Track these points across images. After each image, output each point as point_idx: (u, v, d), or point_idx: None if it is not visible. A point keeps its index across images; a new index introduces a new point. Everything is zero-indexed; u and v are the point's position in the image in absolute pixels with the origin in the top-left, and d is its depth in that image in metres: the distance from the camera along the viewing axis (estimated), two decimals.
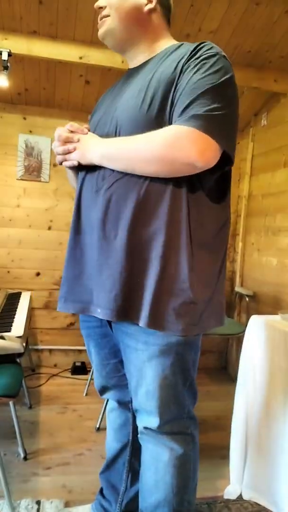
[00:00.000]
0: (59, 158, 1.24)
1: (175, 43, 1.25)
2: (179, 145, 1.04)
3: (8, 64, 2.39)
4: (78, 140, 1.20)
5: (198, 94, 1.05)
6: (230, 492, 1.80)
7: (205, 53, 1.11)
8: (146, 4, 1.21)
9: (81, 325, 1.41)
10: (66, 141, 1.21)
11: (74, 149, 1.20)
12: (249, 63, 2.72)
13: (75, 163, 1.21)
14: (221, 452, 2.13)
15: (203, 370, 3.45)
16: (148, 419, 1.24)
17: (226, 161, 1.14)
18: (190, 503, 1.30)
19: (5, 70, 2.41)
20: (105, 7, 1.22)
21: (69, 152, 1.21)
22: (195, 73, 1.08)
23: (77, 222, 1.24)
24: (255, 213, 3.25)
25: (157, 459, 1.26)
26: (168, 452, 1.24)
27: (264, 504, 1.74)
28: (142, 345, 1.17)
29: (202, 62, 1.09)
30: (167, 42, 1.26)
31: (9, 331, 1.87)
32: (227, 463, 1.84)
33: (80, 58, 2.41)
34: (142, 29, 1.24)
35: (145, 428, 1.26)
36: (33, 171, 3.16)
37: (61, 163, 1.25)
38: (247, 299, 3.18)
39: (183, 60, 1.11)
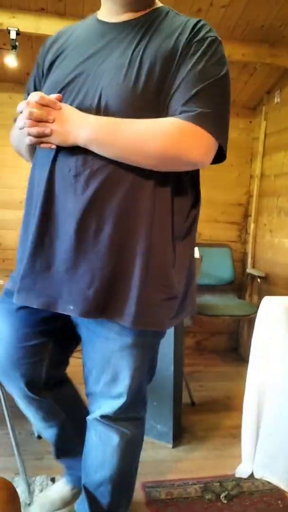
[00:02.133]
0: (32, 140, 1.01)
1: (160, 7, 1.13)
2: (185, 144, 1.00)
3: (17, 43, 2.36)
4: (54, 121, 0.99)
5: (204, 86, 1.00)
6: (242, 470, 1.82)
7: (206, 36, 1.05)
8: None
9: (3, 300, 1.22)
10: (40, 120, 0.99)
11: (51, 131, 0.99)
12: (262, 39, 2.65)
13: (54, 147, 1.02)
14: (233, 431, 2.15)
15: (214, 351, 3.46)
16: (108, 405, 1.20)
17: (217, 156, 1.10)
18: (133, 478, 1.36)
19: (13, 50, 2.38)
20: None
21: (44, 135, 1.00)
22: (198, 58, 1.02)
23: (48, 206, 1.05)
24: (267, 193, 3.20)
25: (106, 443, 1.25)
26: (119, 436, 1.23)
27: (275, 483, 1.76)
28: (115, 334, 1.11)
29: (205, 47, 1.03)
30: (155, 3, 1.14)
31: None
32: (238, 442, 1.86)
33: None
34: None
35: (101, 416, 1.22)
36: None
37: (33, 145, 1.05)
38: (259, 280, 3.16)
39: (183, 39, 1.04)
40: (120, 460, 1.26)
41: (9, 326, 1.20)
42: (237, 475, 1.81)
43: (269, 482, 1.77)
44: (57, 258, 1.05)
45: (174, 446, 2.04)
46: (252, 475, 1.81)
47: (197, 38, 1.04)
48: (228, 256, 3.39)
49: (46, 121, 0.99)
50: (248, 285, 3.41)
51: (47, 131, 0.99)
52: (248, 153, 3.43)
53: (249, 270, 3.36)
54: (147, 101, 1.02)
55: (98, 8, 1.15)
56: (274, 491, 1.73)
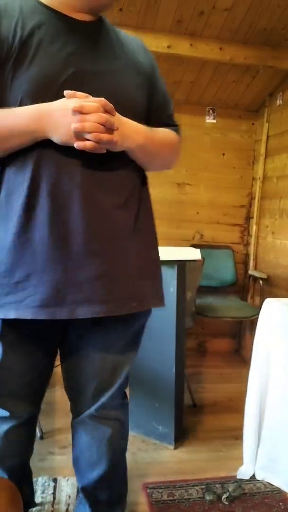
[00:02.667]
0: (94, 145, 0.95)
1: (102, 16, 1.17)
2: (179, 153, 1.25)
3: None
4: (117, 128, 0.98)
5: (171, 103, 1.26)
6: (243, 472, 1.82)
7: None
8: None
9: (6, 330, 1.10)
10: (108, 125, 0.95)
11: (117, 140, 0.98)
12: (264, 42, 2.66)
13: (104, 151, 0.98)
14: (234, 433, 2.15)
15: (216, 353, 3.47)
16: (104, 397, 1.21)
17: None
18: (126, 463, 1.39)
19: None
20: None
21: (110, 143, 0.97)
22: (160, 79, 1.23)
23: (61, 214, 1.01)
24: (269, 195, 3.21)
25: (100, 438, 1.26)
26: (110, 428, 1.25)
27: (277, 485, 1.76)
28: (117, 333, 1.17)
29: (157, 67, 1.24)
30: None
31: None
32: (240, 444, 1.86)
33: None
34: None
35: (96, 410, 1.22)
36: None
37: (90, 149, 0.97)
38: (261, 282, 3.16)
39: (151, 59, 1.21)
40: (114, 450, 1.28)
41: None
42: (239, 477, 1.81)
43: (270, 484, 1.78)
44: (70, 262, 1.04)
45: (176, 447, 2.05)
46: (253, 476, 1.81)
47: (153, 57, 1.23)
48: (230, 258, 3.40)
49: (113, 128, 0.97)
50: (250, 287, 3.42)
51: (116, 138, 0.97)
52: (251, 155, 3.43)
53: (251, 272, 3.36)
54: (141, 108, 1.13)
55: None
56: (276, 493, 1.73)
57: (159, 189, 3.27)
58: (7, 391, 1.17)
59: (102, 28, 1.13)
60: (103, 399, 1.22)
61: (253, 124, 3.42)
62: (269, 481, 1.78)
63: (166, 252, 1.98)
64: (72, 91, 0.95)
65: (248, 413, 1.81)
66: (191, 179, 3.36)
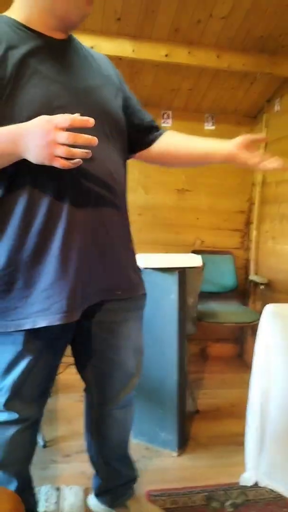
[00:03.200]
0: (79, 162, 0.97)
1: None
2: None
3: None
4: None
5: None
6: (246, 479, 1.82)
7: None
8: None
9: (31, 336, 1.14)
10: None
11: None
12: (261, 48, 2.68)
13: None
14: (237, 439, 2.14)
15: (218, 358, 3.46)
16: (133, 380, 1.41)
17: None
18: None
19: None
20: None
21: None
22: (127, 86, 1.35)
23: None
24: (269, 200, 3.22)
25: (127, 418, 1.50)
26: (132, 405, 1.50)
27: (280, 491, 1.76)
28: (134, 313, 1.34)
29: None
30: None
31: None
32: (242, 450, 1.86)
33: (91, 47, 2.40)
34: None
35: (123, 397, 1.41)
36: None
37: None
38: (261, 287, 3.17)
39: (115, 69, 1.32)
40: (131, 424, 1.55)
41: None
42: (242, 483, 1.81)
43: (273, 491, 1.77)
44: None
45: (179, 454, 2.05)
46: (257, 483, 1.81)
47: (118, 71, 1.34)
48: (231, 263, 3.40)
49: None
50: (251, 292, 3.42)
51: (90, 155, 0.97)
52: None
53: (252, 277, 3.36)
54: (122, 118, 1.26)
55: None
56: (279, 499, 1.73)
57: (159, 195, 3.28)
58: (21, 395, 1.19)
59: (76, 45, 1.20)
60: (130, 385, 1.40)
61: (251, 130, 3.44)
62: (272, 488, 1.78)
63: (167, 259, 1.99)
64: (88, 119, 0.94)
65: (250, 418, 1.82)
66: (191, 185, 3.37)
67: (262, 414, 1.78)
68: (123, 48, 2.50)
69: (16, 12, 1.11)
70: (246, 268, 3.51)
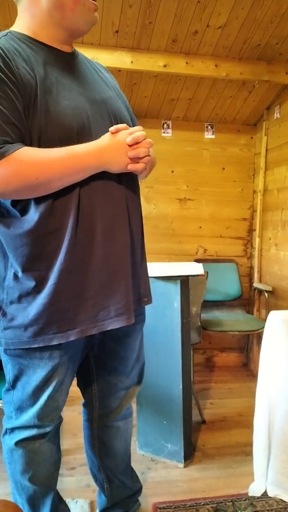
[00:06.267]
0: (144, 166, 1.14)
1: None
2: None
3: None
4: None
5: None
6: (255, 489, 1.79)
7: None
8: None
9: (66, 349, 1.18)
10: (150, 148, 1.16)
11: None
12: (259, 57, 2.70)
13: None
14: (245, 449, 2.12)
15: (224, 367, 3.43)
16: (135, 389, 1.44)
17: None
18: None
19: None
20: None
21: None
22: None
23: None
24: (271, 207, 3.21)
25: (126, 429, 1.49)
26: (132, 415, 1.51)
27: None
28: (139, 325, 1.34)
29: None
30: None
31: None
32: (250, 460, 1.83)
33: None
34: None
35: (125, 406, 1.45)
36: None
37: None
38: (266, 294, 3.15)
39: (114, 78, 1.36)
40: (131, 433, 1.55)
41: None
42: (250, 494, 1.78)
43: (283, 500, 1.74)
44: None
45: (185, 465, 2.02)
46: (265, 493, 1.78)
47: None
48: (235, 271, 3.39)
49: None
50: (255, 300, 3.40)
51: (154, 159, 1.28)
52: (251, 168, 3.45)
53: (255, 284, 3.35)
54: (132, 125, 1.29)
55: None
56: None
57: (161, 205, 3.28)
58: (57, 407, 1.24)
59: (82, 58, 1.25)
60: (132, 395, 1.44)
61: (251, 138, 3.45)
62: (281, 498, 1.75)
63: (169, 268, 1.98)
64: (115, 127, 1.09)
65: (257, 428, 1.79)
66: (192, 194, 3.38)
67: (269, 423, 1.76)
68: (122, 60, 2.52)
69: (23, 26, 1.13)
70: (249, 276, 3.50)
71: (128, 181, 1.19)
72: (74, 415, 2.51)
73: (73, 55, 1.20)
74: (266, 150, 3.27)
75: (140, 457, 2.08)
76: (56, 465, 1.35)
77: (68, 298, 1.09)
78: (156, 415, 2.07)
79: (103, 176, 1.11)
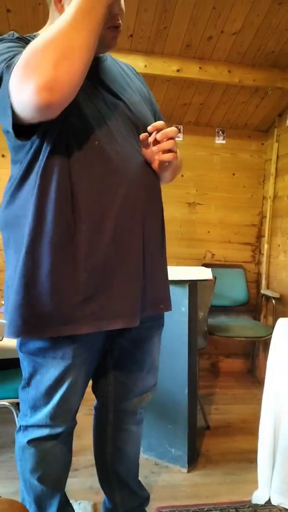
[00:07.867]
0: (175, 155, 1.18)
1: None
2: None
3: None
4: None
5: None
6: (259, 497, 1.78)
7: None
8: None
9: (79, 350, 1.16)
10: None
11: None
12: (272, 64, 2.70)
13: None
14: (249, 456, 2.11)
15: (229, 373, 3.42)
16: (150, 394, 1.42)
17: None
18: None
19: None
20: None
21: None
22: (153, 97, 1.41)
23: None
24: (281, 214, 3.21)
25: (139, 434, 1.49)
26: (143, 420, 1.51)
27: None
28: (158, 330, 1.35)
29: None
30: None
31: None
32: (255, 467, 1.82)
33: None
34: None
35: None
36: None
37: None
38: (273, 301, 3.14)
39: (144, 81, 1.36)
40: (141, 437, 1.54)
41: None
42: (254, 501, 1.77)
43: (286, 509, 1.73)
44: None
45: (189, 470, 2.01)
46: (269, 501, 1.76)
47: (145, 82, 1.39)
48: (242, 277, 3.38)
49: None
50: (263, 306, 3.39)
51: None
52: (261, 175, 3.45)
53: (263, 291, 3.34)
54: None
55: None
56: None
57: (170, 209, 3.29)
58: (69, 409, 1.23)
59: (108, 62, 1.23)
60: (146, 399, 1.43)
61: (262, 144, 3.44)
62: (285, 506, 1.74)
63: (177, 272, 1.98)
64: (152, 126, 1.10)
65: (262, 435, 1.78)
66: (202, 198, 3.38)
67: (274, 430, 1.75)
68: (136, 63, 2.53)
69: None
70: (257, 282, 3.49)
71: (148, 183, 1.19)
72: (78, 417, 2.51)
73: (99, 59, 1.18)
74: (277, 156, 3.26)
75: (143, 461, 2.08)
76: (66, 467, 1.35)
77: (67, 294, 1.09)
78: (160, 419, 2.06)
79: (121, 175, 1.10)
